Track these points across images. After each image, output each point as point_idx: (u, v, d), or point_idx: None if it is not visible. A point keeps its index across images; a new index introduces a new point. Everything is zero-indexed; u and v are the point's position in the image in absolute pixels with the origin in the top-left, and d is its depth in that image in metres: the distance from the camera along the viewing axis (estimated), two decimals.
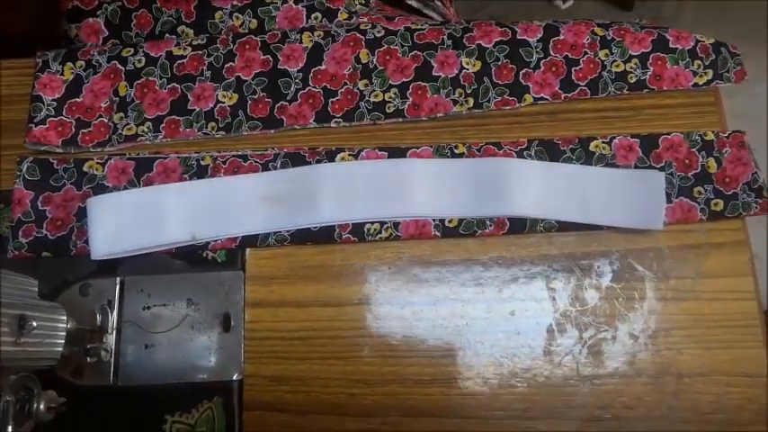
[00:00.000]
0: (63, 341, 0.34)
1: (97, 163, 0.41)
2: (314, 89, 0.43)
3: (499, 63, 0.43)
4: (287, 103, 0.43)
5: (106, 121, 0.42)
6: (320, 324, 0.39)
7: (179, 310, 0.39)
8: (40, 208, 0.40)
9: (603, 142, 0.41)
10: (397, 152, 0.41)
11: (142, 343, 0.39)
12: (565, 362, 0.39)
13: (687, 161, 0.41)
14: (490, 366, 0.39)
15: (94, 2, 0.44)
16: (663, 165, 0.41)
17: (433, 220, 0.40)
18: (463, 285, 0.40)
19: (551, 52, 0.43)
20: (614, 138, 0.41)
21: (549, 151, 0.41)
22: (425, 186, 0.40)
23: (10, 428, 0.29)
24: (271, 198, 0.40)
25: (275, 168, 0.41)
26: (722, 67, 0.42)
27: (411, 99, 0.42)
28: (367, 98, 0.43)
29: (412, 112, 0.42)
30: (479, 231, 0.40)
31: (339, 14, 0.46)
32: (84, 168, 0.41)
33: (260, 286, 0.40)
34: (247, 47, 0.43)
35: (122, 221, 0.39)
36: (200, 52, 0.43)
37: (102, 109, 0.43)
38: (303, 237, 0.40)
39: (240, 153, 0.41)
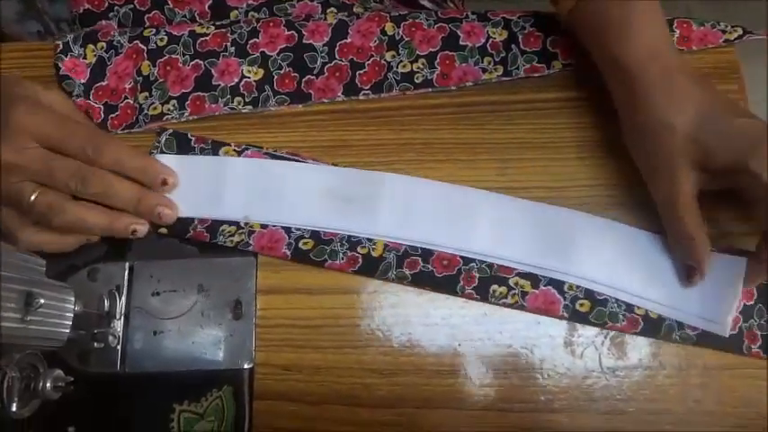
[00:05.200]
0: (70, 322, 0.32)
1: (234, 150, 0.41)
2: (340, 62, 0.42)
3: (525, 31, 0.42)
4: (314, 77, 0.42)
5: (132, 102, 0.42)
6: (335, 312, 0.38)
7: (189, 296, 0.38)
8: None
9: None
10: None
11: (151, 329, 0.38)
12: (587, 353, 0.37)
13: None
14: (509, 357, 0.37)
15: (105, 4, 0.43)
16: None
17: (564, 299, 0.37)
18: None
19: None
20: None
21: None
22: (487, 223, 0.39)
23: (15, 405, 0.27)
24: (332, 195, 0.39)
25: None
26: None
27: (439, 69, 0.42)
28: (395, 69, 0.42)
29: (441, 82, 0.42)
30: (610, 323, 0.37)
31: (354, 9, 0.45)
32: (221, 153, 0.41)
33: (272, 272, 0.39)
34: (271, 24, 0.43)
35: (185, 186, 0.39)
36: (223, 30, 0.43)
37: (126, 90, 0.42)
38: (424, 280, 0.38)
39: None
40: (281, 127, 0.42)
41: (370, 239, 0.38)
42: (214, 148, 0.41)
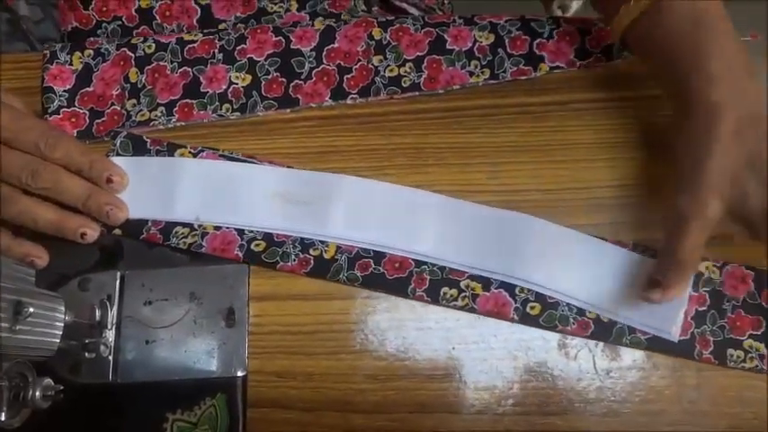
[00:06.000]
0: (60, 332, 0.32)
1: (189, 152, 0.41)
2: (328, 67, 0.42)
3: (512, 35, 0.43)
4: (302, 82, 0.42)
5: (119, 108, 0.42)
6: (328, 318, 0.38)
7: (181, 304, 0.38)
8: None
9: (715, 266, 0.38)
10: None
11: (143, 338, 0.37)
12: (581, 355, 0.37)
13: None
14: (504, 360, 0.37)
15: (93, 21, 0.43)
16: None
17: (514, 302, 0.37)
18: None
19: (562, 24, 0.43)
20: (726, 264, 0.38)
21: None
22: (439, 226, 0.39)
23: (3, 414, 0.27)
24: (284, 196, 0.39)
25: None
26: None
27: (426, 72, 0.42)
28: (382, 73, 0.42)
29: (428, 85, 0.42)
30: (560, 326, 0.37)
31: (342, 17, 0.46)
32: (176, 154, 0.41)
33: (265, 279, 0.39)
34: (259, 30, 0.43)
35: (138, 187, 0.39)
36: (210, 37, 0.43)
37: (113, 97, 0.42)
38: (375, 283, 0.38)
39: None
40: (271, 134, 0.42)
41: (322, 241, 0.38)
42: (170, 150, 0.41)
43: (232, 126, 0.42)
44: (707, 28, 0.35)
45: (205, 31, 0.43)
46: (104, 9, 0.42)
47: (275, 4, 0.44)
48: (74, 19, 0.42)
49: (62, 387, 0.31)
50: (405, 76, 0.42)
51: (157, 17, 0.43)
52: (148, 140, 0.41)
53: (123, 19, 0.43)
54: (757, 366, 0.36)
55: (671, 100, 0.38)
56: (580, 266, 0.38)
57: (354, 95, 0.42)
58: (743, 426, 0.36)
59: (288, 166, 0.41)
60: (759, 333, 0.37)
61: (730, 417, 0.36)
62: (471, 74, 0.42)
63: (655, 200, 0.40)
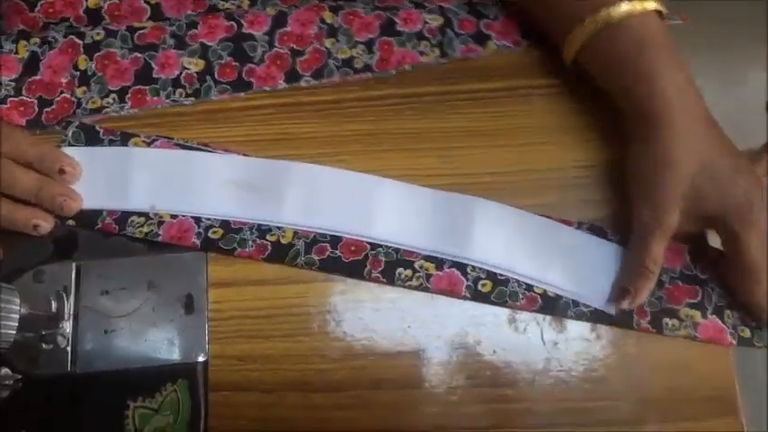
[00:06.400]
0: (15, 323, 0.32)
1: (143, 141, 0.40)
2: (281, 50, 0.43)
3: (460, 17, 0.44)
4: (255, 66, 0.42)
5: (69, 96, 0.41)
6: (287, 302, 0.39)
7: (139, 293, 0.38)
8: None
9: None
10: None
11: (101, 329, 0.38)
12: (529, 329, 0.39)
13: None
14: (457, 336, 0.39)
15: (39, 23, 0.42)
16: (706, 277, 0.40)
17: (466, 280, 0.39)
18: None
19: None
20: None
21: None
22: (389, 210, 0.40)
23: None
24: (237, 184, 0.40)
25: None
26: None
27: (378, 54, 0.43)
28: (334, 55, 0.43)
29: (380, 66, 0.43)
30: (510, 302, 0.39)
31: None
32: (129, 144, 0.40)
33: (224, 266, 0.39)
34: (210, 16, 0.43)
35: (91, 177, 0.39)
36: (161, 23, 0.43)
37: (63, 84, 0.41)
38: (332, 266, 0.39)
39: None
40: (226, 122, 0.42)
41: (279, 227, 0.39)
42: (123, 140, 0.41)
43: (186, 115, 0.42)
44: (651, 48, 0.38)
45: (155, 20, 0.43)
46: (51, 11, 0.41)
47: (226, 0, 0.44)
48: (20, 22, 0.41)
49: (20, 376, 0.31)
50: (357, 57, 0.43)
51: (106, 17, 0.43)
52: (101, 130, 0.41)
53: (71, 20, 0.42)
54: (691, 333, 0.39)
55: (622, 115, 0.41)
56: (527, 244, 0.40)
57: (308, 78, 0.43)
58: (681, 387, 0.39)
59: (243, 154, 0.41)
60: (695, 301, 0.40)
61: (666, 380, 0.39)
62: (422, 53, 0.43)
63: (598, 181, 0.42)
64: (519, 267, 0.39)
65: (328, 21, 0.43)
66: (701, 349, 0.40)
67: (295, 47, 0.43)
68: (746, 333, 0.40)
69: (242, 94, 0.42)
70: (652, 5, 0.39)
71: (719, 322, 0.40)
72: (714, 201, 0.37)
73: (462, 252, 0.39)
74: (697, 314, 0.39)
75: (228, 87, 0.42)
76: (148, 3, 0.43)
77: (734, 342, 0.39)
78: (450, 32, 0.44)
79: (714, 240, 0.41)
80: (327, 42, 0.43)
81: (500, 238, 0.40)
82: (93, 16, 0.42)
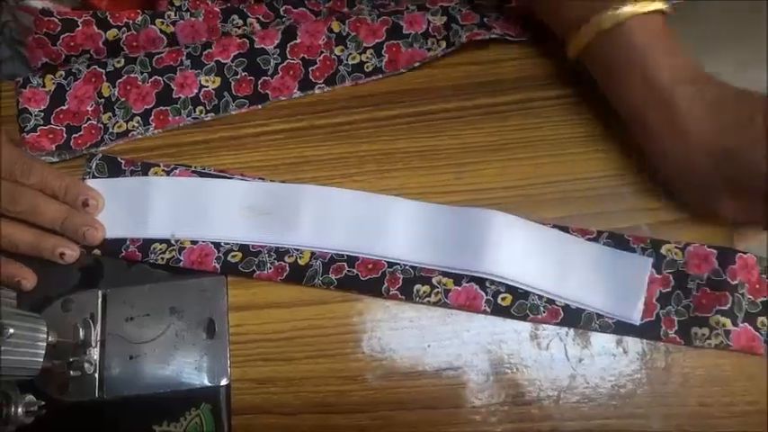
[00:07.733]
0: (43, 351, 0.33)
1: (163, 170, 0.42)
2: (292, 61, 0.44)
3: (463, 13, 0.45)
4: (269, 78, 0.44)
5: (95, 123, 0.43)
6: (306, 323, 0.39)
7: (162, 319, 0.39)
8: None
9: (677, 248, 0.39)
10: None
11: (127, 354, 0.38)
12: (552, 344, 0.39)
13: (758, 286, 0.39)
14: (477, 354, 0.38)
15: (62, 56, 0.44)
16: (737, 283, 0.38)
17: (486, 294, 0.39)
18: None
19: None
20: (689, 245, 0.39)
21: (619, 247, 0.40)
22: (403, 229, 0.40)
23: None
24: (253, 208, 0.41)
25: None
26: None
27: (387, 56, 0.44)
28: (345, 61, 0.44)
29: (390, 67, 0.44)
30: (531, 315, 0.38)
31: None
32: (150, 173, 0.42)
33: (243, 290, 0.40)
34: (222, 37, 0.45)
35: (113, 207, 0.41)
36: (176, 47, 0.45)
37: (89, 112, 0.44)
38: (350, 284, 0.39)
39: None
40: (243, 148, 0.43)
41: (297, 249, 0.40)
42: (144, 169, 0.42)
43: (203, 143, 0.43)
44: (652, 48, 0.37)
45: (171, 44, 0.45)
46: (72, 44, 0.43)
47: (239, 28, 0.45)
48: (43, 55, 0.43)
49: (44, 402, 0.32)
50: (366, 61, 0.44)
51: (125, 48, 0.44)
52: (122, 161, 0.42)
53: (92, 52, 0.44)
54: (722, 342, 0.38)
55: (625, 119, 0.40)
56: (545, 257, 0.39)
57: (321, 85, 0.44)
58: (714, 404, 0.38)
59: (259, 179, 0.42)
60: (726, 308, 0.38)
61: (700, 395, 0.38)
62: (429, 50, 0.44)
63: (615, 191, 0.42)
64: (537, 281, 0.39)
65: (336, 30, 0.45)
66: (735, 361, 0.38)
67: (306, 57, 0.44)
68: None
69: (259, 106, 0.44)
70: (656, 6, 0.37)
71: (752, 329, 0.38)
72: (749, 169, 0.35)
73: (479, 267, 0.39)
74: (728, 321, 0.38)
75: (246, 101, 0.44)
76: (164, 32, 0.45)
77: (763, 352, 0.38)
78: (455, 26, 0.44)
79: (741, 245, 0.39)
80: (337, 50, 0.44)
81: (517, 250, 0.39)
82: (113, 47, 0.44)
